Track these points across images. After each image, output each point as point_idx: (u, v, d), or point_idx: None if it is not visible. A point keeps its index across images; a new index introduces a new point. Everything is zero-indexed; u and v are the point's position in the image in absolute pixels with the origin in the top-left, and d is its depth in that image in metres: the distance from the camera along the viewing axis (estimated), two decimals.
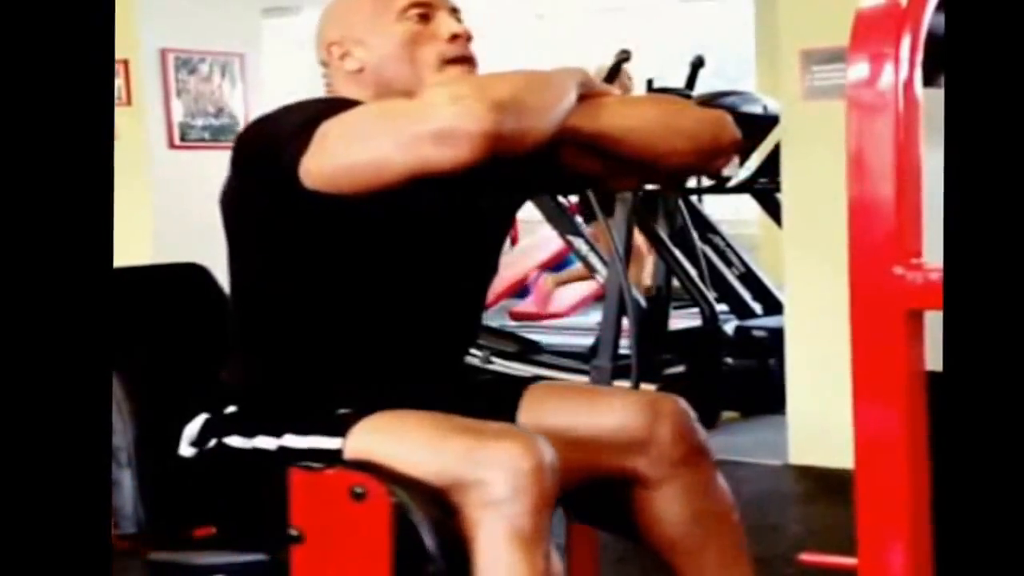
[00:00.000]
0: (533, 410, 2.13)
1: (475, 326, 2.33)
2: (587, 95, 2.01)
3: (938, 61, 1.28)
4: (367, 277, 2.04)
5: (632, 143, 2.04)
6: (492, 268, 2.25)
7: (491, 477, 1.80)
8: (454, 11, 2.10)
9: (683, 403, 2.14)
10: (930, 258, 1.24)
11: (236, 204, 2.05)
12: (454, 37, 2.05)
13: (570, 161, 2.06)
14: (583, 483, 2.09)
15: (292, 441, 1.96)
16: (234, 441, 2.00)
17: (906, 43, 1.25)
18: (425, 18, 2.06)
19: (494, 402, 2.14)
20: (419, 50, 2.04)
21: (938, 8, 1.27)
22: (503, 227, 2.27)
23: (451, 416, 1.93)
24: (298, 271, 2.04)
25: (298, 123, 1.90)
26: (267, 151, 1.93)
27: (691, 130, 2.07)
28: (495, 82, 1.87)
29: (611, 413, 2.11)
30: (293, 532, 1.90)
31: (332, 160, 1.86)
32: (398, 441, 1.91)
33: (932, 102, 1.30)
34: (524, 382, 2.24)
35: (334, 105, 1.93)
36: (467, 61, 2.07)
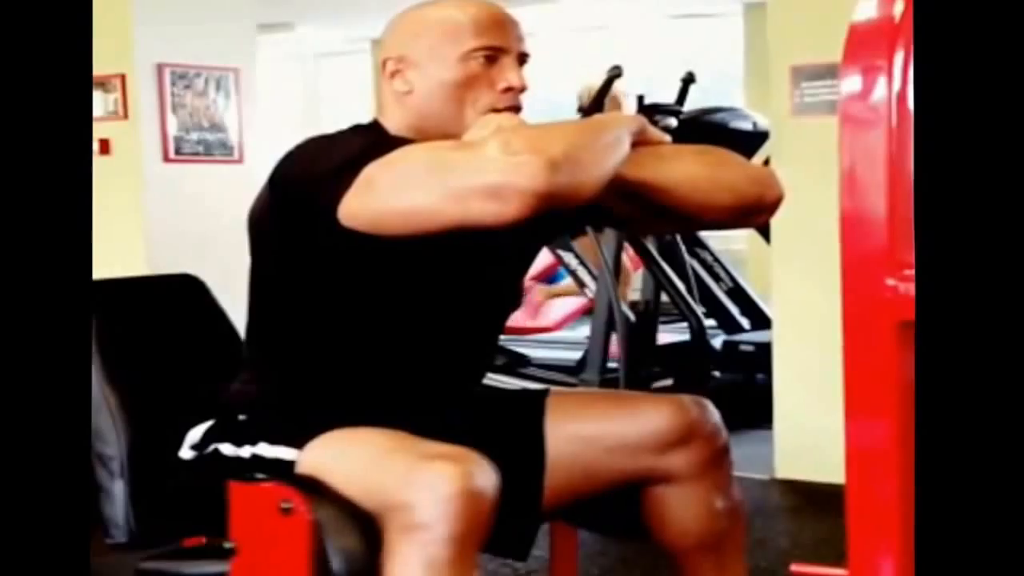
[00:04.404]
0: (563, 420, 2.13)
1: (494, 351, 2.33)
2: (640, 142, 1.98)
3: None
4: (391, 306, 2.04)
5: (675, 195, 2.01)
6: (515, 297, 2.25)
7: (415, 500, 1.76)
8: (522, 56, 2.06)
9: (711, 404, 2.18)
10: None
11: (266, 226, 2.03)
12: (508, 89, 2.01)
13: (609, 204, 2.00)
14: (614, 488, 2.12)
15: (263, 450, 1.96)
16: (225, 448, 2.00)
17: (899, 56, 1.26)
18: (491, 59, 2.01)
19: (518, 416, 2.15)
20: (471, 93, 2.00)
21: None
22: (529, 260, 2.25)
23: (405, 435, 1.90)
24: (322, 296, 2.03)
25: (341, 161, 1.87)
26: (306, 185, 1.91)
27: (737, 186, 2.03)
28: (550, 136, 1.81)
29: (646, 416, 2.12)
30: (228, 545, 1.90)
31: (377, 205, 1.84)
32: (343, 458, 1.90)
33: None
34: (540, 393, 2.23)
35: (379, 144, 1.90)
36: (513, 111, 2.03)
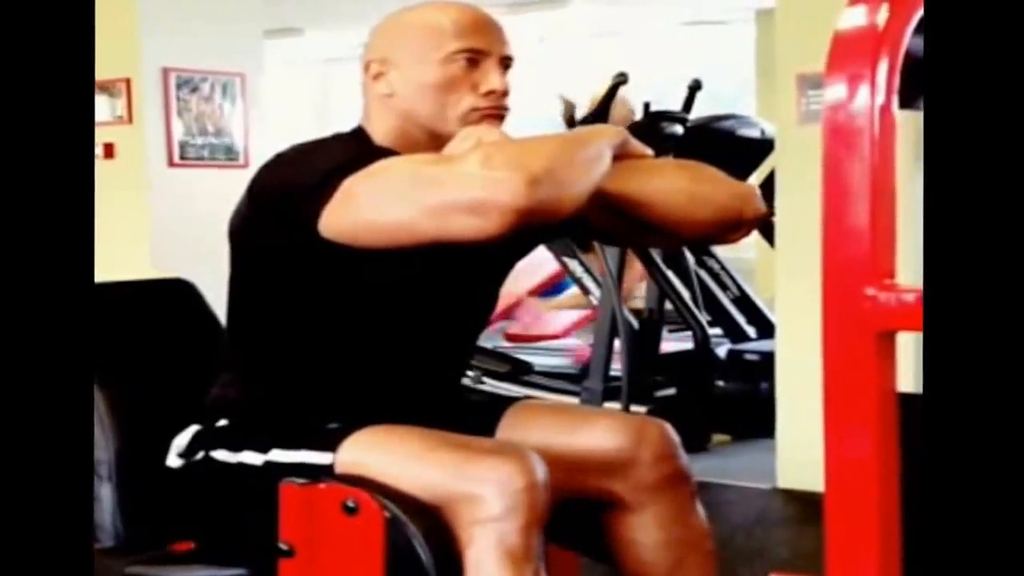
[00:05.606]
0: (513, 428, 2.13)
1: (470, 355, 2.33)
2: (622, 155, 1.98)
3: (915, 83, 1.28)
4: (370, 312, 2.05)
5: (655, 209, 2.02)
6: (493, 302, 2.25)
7: (483, 494, 1.80)
8: (505, 59, 2.05)
9: (668, 427, 2.13)
10: (906, 280, 1.25)
11: (246, 235, 2.04)
12: (490, 92, 2.01)
13: (592, 216, 2.00)
14: (559, 503, 2.09)
15: (279, 456, 1.96)
16: (220, 455, 2.00)
17: (883, 66, 1.25)
18: (473, 62, 2.01)
19: (475, 420, 2.14)
20: (453, 96, 2.00)
21: (916, 31, 1.27)
22: (507, 269, 2.26)
23: (441, 432, 1.93)
24: (301, 304, 2.04)
25: (322, 172, 1.88)
26: (287, 195, 1.92)
27: (716, 202, 2.04)
28: (531, 151, 1.81)
29: (592, 434, 2.10)
30: (283, 546, 1.89)
31: (358, 218, 1.85)
32: (389, 455, 1.90)
33: (909, 124, 1.30)
34: (508, 401, 2.24)
35: (360, 156, 1.91)
36: (497, 116, 2.03)
